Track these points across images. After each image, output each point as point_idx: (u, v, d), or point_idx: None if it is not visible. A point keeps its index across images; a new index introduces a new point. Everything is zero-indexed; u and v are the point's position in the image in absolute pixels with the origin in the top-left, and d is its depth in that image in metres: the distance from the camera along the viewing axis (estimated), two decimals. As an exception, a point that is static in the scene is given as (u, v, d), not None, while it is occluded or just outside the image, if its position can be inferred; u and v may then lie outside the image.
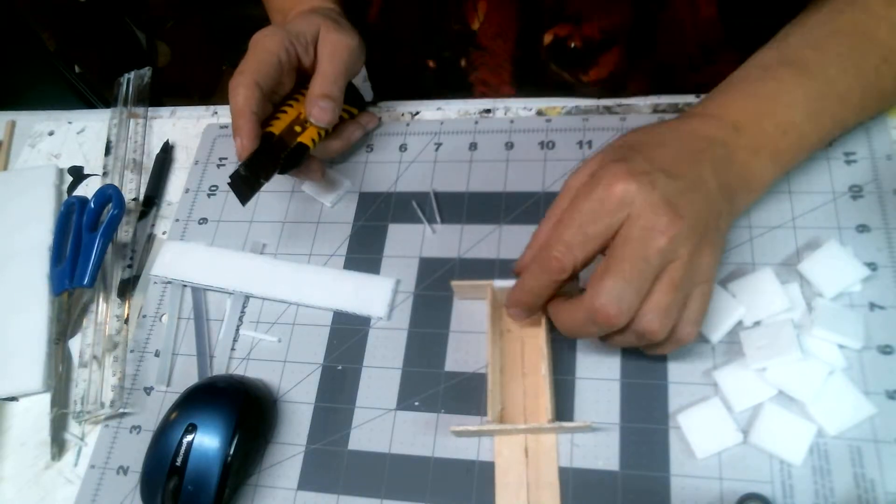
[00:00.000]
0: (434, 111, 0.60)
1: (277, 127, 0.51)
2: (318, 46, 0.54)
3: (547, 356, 0.45)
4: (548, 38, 0.59)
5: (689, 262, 0.38)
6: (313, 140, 0.52)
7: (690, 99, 0.55)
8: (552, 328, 0.44)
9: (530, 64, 0.61)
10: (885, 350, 0.43)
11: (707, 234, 0.39)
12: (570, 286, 0.42)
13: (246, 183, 0.50)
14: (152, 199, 0.61)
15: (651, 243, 0.37)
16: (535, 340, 0.47)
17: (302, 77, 0.54)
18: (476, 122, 0.58)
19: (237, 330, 0.53)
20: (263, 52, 0.51)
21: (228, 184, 0.50)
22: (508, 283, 0.46)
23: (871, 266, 0.45)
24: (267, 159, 0.50)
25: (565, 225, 0.39)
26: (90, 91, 1.54)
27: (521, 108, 0.58)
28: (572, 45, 0.58)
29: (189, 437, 0.45)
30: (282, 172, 0.52)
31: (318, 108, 0.51)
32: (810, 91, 0.44)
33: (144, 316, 0.55)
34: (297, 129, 0.52)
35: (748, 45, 0.48)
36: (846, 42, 0.44)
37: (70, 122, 0.69)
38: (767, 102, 0.44)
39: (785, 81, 0.44)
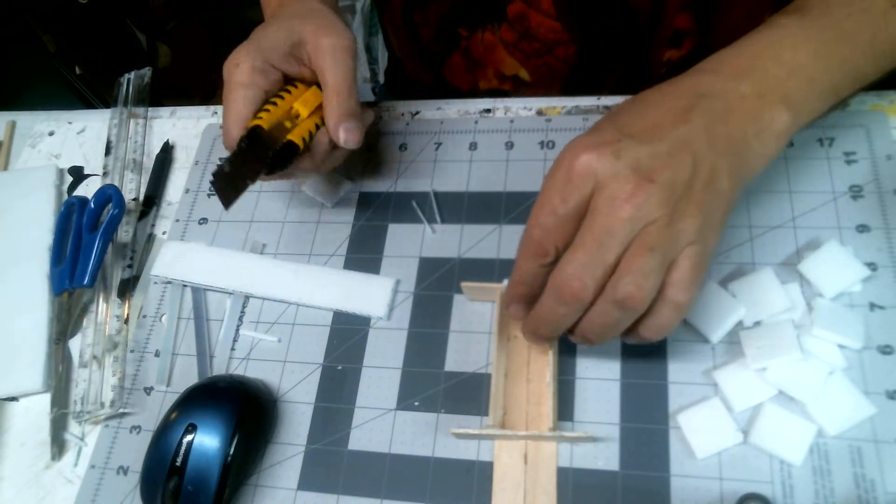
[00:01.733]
0: (434, 111, 0.60)
1: (266, 120, 0.47)
2: (311, 55, 0.49)
3: (552, 364, 0.45)
4: None
5: (668, 225, 0.35)
6: (304, 139, 0.48)
7: (690, 99, 0.54)
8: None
9: None
10: (885, 350, 0.43)
11: (691, 194, 0.36)
12: None
13: (230, 182, 0.45)
14: (152, 199, 0.61)
15: (614, 213, 0.35)
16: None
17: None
18: (476, 122, 0.58)
19: (237, 330, 0.53)
20: (239, 88, 0.47)
21: (211, 182, 0.45)
22: None
23: (871, 266, 0.45)
24: (254, 156, 0.45)
25: (538, 207, 0.38)
26: (90, 91, 1.54)
27: (521, 108, 0.59)
28: None
29: (189, 437, 0.45)
30: (269, 172, 0.47)
31: (345, 130, 0.48)
32: (814, 33, 0.41)
33: (144, 316, 0.55)
34: (287, 124, 0.47)
35: None
36: None
37: (70, 123, 0.69)
38: (768, 47, 0.41)
39: (786, 26, 0.42)
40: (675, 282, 0.36)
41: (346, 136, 0.48)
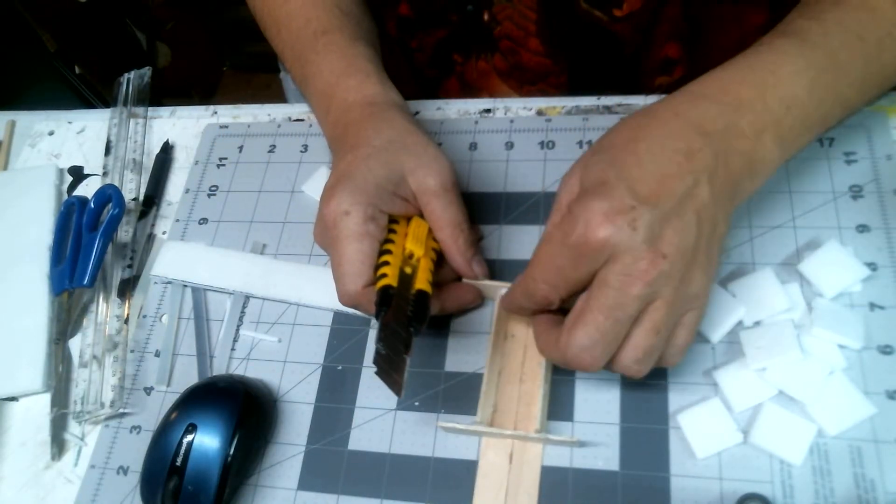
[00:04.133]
0: (434, 111, 0.60)
1: (392, 276, 0.43)
2: (417, 195, 0.46)
3: (545, 366, 0.45)
4: None
5: (674, 298, 0.36)
6: (429, 282, 0.44)
7: (690, 99, 0.54)
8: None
9: (557, 9, 0.58)
10: (885, 350, 0.43)
11: (697, 257, 0.37)
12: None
13: (392, 365, 0.41)
14: (152, 199, 0.61)
15: (628, 291, 0.35)
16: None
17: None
18: (476, 122, 0.58)
19: (237, 330, 0.53)
20: (352, 241, 0.43)
21: (376, 373, 0.42)
22: None
23: (871, 266, 0.45)
24: (398, 326, 0.42)
25: (546, 267, 0.38)
26: (90, 91, 1.54)
27: (521, 108, 0.59)
28: None
29: (189, 437, 0.45)
30: (416, 334, 0.42)
31: (477, 264, 0.47)
32: (812, 61, 0.41)
33: (144, 316, 0.55)
34: (408, 269, 0.44)
35: (779, 9, 0.46)
36: (849, 14, 0.42)
37: (70, 122, 0.69)
38: (769, 74, 0.40)
39: (786, 52, 0.41)
40: (671, 352, 0.39)
41: (479, 268, 0.47)
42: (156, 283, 0.56)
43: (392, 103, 0.50)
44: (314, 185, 0.57)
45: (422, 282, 0.44)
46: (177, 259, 0.56)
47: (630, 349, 0.37)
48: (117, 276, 0.57)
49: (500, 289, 0.47)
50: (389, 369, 0.41)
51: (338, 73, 0.52)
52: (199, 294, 0.55)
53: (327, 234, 0.45)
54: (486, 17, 0.60)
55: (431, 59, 0.66)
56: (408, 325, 0.42)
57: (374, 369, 0.42)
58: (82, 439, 0.51)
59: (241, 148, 0.62)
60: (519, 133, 0.57)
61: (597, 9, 0.57)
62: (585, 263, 0.36)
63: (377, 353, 0.42)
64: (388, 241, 0.45)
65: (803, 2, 0.45)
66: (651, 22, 0.57)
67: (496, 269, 0.51)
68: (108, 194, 0.56)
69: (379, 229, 0.45)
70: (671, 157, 0.37)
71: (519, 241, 0.52)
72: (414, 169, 0.46)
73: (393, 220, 0.46)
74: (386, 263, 0.44)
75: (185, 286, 0.56)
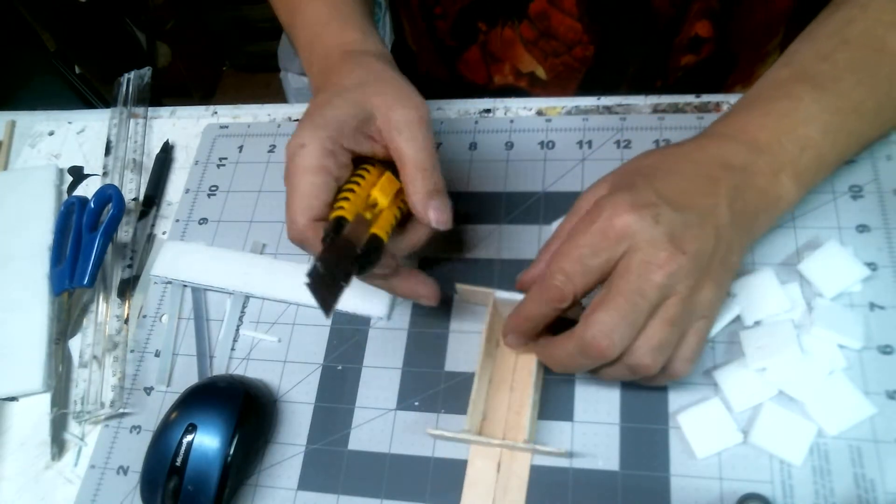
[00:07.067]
0: (434, 111, 0.60)
1: (349, 210, 0.41)
2: (383, 130, 0.43)
3: (535, 375, 0.44)
4: None
5: (688, 298, 0.38)
6: (387, 232, 0.42)
7: (690, 98, 0.55)
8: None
9: None
10: (885, 350, 0.43)
11: (710, 269, 0.38)
12: (574, 311, 0.41)
13: (327, 286, 0.38)
14: (152, 199, 0.61)
15: (648, 277, 0.37)
16: (529, 357, 0.46)
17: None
18: (476, 122, 0.58)
19: (237, 330, 0.53)
20: (306, 174, 0.41)
21: (307, 284, 0.38)
22: (510, 294, 0.45)
23: (871, 266, 0.45)
24: (342, 258, 0.39)
25: (565, 254, 0.39)
26: (90, 91, 1.54)
27: (520, 108, 0.59)
28: None
29: (189, 437, 0.45)
30: (360, 273, 0.40)
31: (434, 209, 0.42)
32: (826, 105, 0.42)
33: (144, 316, 0.55)
34: (367, 214, 0.41)
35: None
36: (857, 53, 0.44)
37: (70, 122, 0.69)
38: (784, 119, 0.42)
39: (800, 97, 0.43)
40: (681, 356, 0.40)
41: (437, 215, 0.42)
42: (156, 283, 0.56)
43: (369, 52, 0.48)
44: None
45: (379, 228, 0.41)
46: (177, 259, 0.56)
47: (645, 339, 0.38)
48: (117, 276, 0.57)
49: (490, 295, 0.47)
50: (324, 290, 0.38)
51: (322, 23, 0.51)
52: (199, 294, 0.55)
53: (285, 171, 0.43)
54: None
55: (454, 26, 0.66)
56: (353, 260, 0.39)
57: (306, 282, 0.38)
58: (82, 439, 0.51)
59: (241, 148, 0.62)
60: (519, 133, 0.57)
61: None
62: (606, 249, 0.37)
63: (313, 269, 0.38)
64: (352, 181, 0.42)
65: (812, 35, 0.46)
66: (686, 5, 0.58)
67: (496, 270, 0.51)
68: (108, 194, 0.56)
69: (338, 166, 0.42)
70: (695, 179, 0.40)
71: (519, 241, 0.52)
72: (383, 104, 0.43)
73: (364, 168, 0.44)
74: (346, 199, 0.41)
75: (185, 286, 0.56)
